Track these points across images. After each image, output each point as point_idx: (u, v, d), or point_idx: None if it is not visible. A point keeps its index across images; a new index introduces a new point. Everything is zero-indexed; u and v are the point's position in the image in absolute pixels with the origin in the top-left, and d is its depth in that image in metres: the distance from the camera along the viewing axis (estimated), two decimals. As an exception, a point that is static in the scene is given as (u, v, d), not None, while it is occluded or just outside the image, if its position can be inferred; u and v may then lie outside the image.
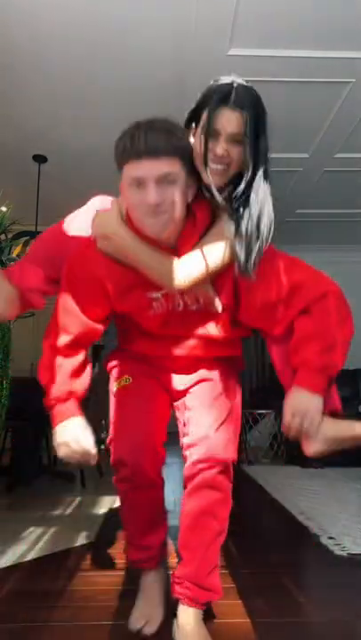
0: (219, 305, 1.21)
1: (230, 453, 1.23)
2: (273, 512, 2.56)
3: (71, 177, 4.47)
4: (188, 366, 1.32)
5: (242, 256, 1.11)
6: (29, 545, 1.95)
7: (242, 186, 1.12)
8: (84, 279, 1.23)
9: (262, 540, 2.03)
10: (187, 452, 1.25)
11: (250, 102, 1.11)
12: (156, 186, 1.06)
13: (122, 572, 1.64)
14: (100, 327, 1.33)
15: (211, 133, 1.09)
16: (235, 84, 1.14)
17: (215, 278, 1.18)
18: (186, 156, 1.13)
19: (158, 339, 1.30)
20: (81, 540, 2.02)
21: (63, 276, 1.29)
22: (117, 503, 2.70)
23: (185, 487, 1.27)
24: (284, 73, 3.04)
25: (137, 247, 1.13)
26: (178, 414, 1.38)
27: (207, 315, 1.24)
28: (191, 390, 1.33)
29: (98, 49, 2.87)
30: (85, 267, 1.22)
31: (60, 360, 1.24)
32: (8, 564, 1.72)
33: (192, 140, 1.19)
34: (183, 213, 1.12)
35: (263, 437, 4.96)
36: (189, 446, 1.24)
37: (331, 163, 4.17)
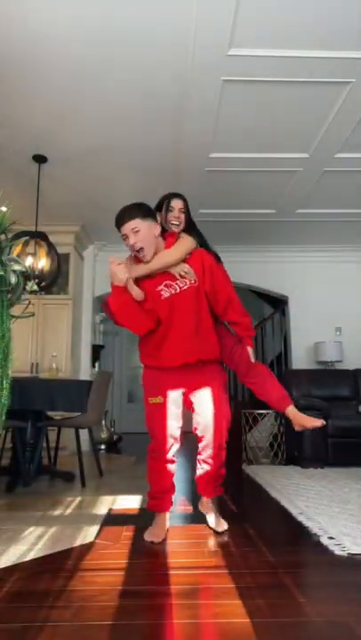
0: (193, 275, 2.14)
1: None
2: (273, 512, 2.56)
3: (71, 177, 4.48)
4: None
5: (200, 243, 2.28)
6: (29, 545, 1.95)
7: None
8: None
9: (262, 540, 2.03)
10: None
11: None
12: (133, 235, 2.08)
13: (122, 572, 1.64)
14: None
15: (169, 210, 2.26)
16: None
17: (188, 261, 2.17)
18: (143, 215, 2.10)
19: (165, 346, 2.14)
20: (81, 540, 2.02)
21: None
22: (117, 503, 2.71)
23: None
24: (284, 73, 3.04)
25: (140, 267, 2.14)
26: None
27: (195, 293, 2.13)
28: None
29: (98, 49, 2.87)
30: None
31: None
32: (8, 564, 1.72)
33: (159, 217, 2.23)
34: (154, 241, 2.12)
35: (263, 437, 4.96)
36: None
37: (331, 163, 4.17)
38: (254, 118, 3.53)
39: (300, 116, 3.51)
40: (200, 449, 2.20)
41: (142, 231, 2.06)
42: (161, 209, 2.25)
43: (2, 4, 2.55)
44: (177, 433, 2.15)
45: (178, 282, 2.12)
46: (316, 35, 2.75)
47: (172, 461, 2.16)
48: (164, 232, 2.19)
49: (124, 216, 2.08)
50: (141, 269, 2.11)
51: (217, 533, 2.12)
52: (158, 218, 2.20)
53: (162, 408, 2.13)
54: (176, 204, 2.23)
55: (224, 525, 2.17)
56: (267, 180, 4.51)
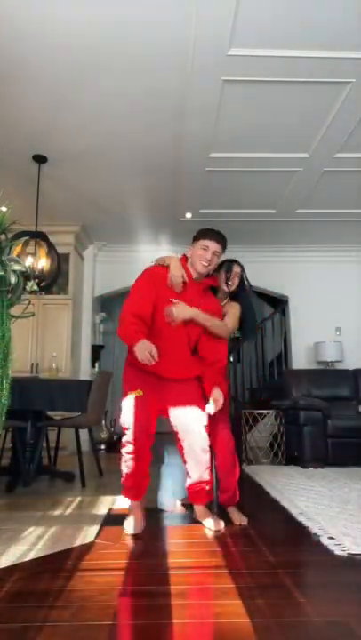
0: None
1: None
2: (273, 512, 2.56)
3: (71, 177, 4.48)
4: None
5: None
6: (29, 545, 1.95)
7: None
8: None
9: (262, 539, 2.03)
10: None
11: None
12: (213, 256, 2.38)
13: (122, 572, 1.64)
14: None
15: (229, 271, 2.58)
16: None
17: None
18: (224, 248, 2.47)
19: (161, 358, 2.16)
20: (81, 540, 2.02)
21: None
22: (117, 503, 2.71)
23: None
24: (284, 73, 3.04)
25: (199, 314, 2.32)
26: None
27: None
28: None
29: (98, 49, 2.87)
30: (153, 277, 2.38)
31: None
32: (8, 564, 1.72)
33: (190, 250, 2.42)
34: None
35: (263, 437, 4.96)
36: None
37: (331, 163, 4.17)
38: (254, 118, 3.53)
39: (300, 116, 3.52)
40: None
41: (217, 259, 2.41)
42: (222, 267, 2.52)
43: (2, 4, 2.55)
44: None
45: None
46: (316, 35, 2.75)
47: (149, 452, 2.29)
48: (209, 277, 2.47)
49: (219, 237, 2.39)
50: (188, 312, 2.27)
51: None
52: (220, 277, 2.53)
53: (143, 400, 2.26)
54: (236, 269, 2.54)
55: (221, 524, 2.23)
56: (267, 180, 4.51)
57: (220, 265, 2.52)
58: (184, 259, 2.41)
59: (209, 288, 2.49)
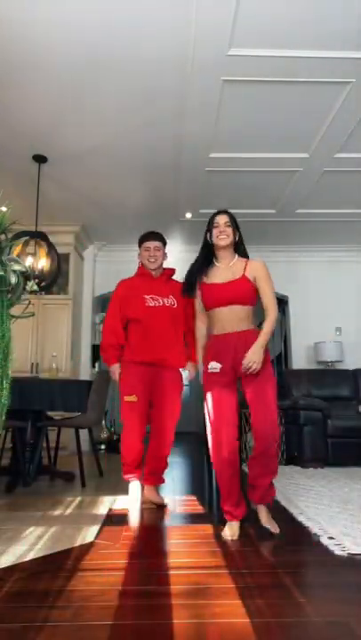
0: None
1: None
2: (273, 512, 2.56)
3: (71, 177, 4.48)
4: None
5: None
6: (29, 545, 1.95)
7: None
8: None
9: (262, 539, 2.03)
10: None
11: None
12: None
13: (122, 572, 1.64)
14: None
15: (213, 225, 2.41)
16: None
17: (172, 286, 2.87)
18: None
19: (144, 344, 2.71)
20: (81, 539, 2.02)
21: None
22: (117, 503, 2.71)
23: None
24: (284, 73, 3.04)
25: (262, 344, 2.19)
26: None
27: (172, 312, 2.77)
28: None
29: (98, 49, 2.87)
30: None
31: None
32: (8, 564, 1.72)
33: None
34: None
35: (263, 437, 4.95)
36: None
37: (331, 163, 4.17)
38: (254, 118, 3.53)
39: (300, 116, 3.52)
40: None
41: (161, 252, 2.86)
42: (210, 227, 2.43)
43: (1, 6, 2.55)
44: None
45: (164, 299, 2.74)
46: (316, 35, 2.75)
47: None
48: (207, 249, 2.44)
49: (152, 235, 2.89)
50: (258, 355, 2.15)
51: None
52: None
53: (136, 406, 2.71)
54: (220, 219, 2.41)
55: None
56: (267, 180, 4.51)
57: (208, 223, 2.43)
58: (141, 266, 2.88)
59: (171, 276, 2.89)
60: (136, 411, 2.68)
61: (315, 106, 3.39)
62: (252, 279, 2.26)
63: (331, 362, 5.80)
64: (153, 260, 2.81)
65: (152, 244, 2.83)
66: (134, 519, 2.43)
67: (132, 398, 2.68)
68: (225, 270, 2.32)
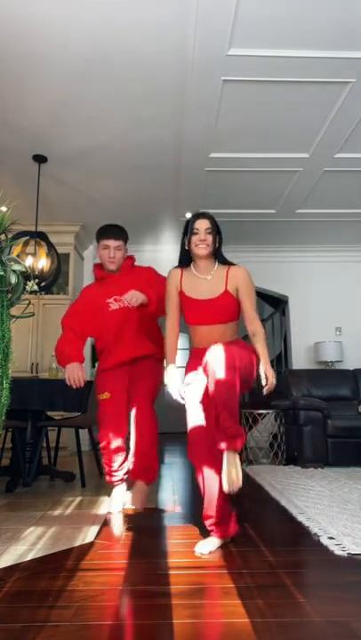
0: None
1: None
2: (273, 512, 2.56)
3: (71, 177, 4.48)
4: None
5: None
6: (29, 545, 1.95)
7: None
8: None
9: (262, 540, 2.03)
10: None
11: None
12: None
13: (122, 572, 1.64)
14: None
15: (193, 232, 2.07)
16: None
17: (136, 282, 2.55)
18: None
19: (125, 342, 2.54)
20: (81, 540, 2.02)
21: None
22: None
23: None
24: (284, 73, 3.04)
25: (267, 362, 1.99)
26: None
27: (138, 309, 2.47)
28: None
29: (98, 49, 2.87)
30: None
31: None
32: (8, 564, 1.72)
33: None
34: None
35: (263, 437, 4.96)
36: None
37: (331, 163, 4.17)
38: (254, 118, 3.53)
39: (300, 116, 3.52)
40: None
41: (122, 252, 2.57)
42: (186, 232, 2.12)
43: (1, 4, 2.55)
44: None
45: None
46: (315, 35, 2.75)
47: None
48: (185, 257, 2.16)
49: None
50: (271, 377, 1.95)
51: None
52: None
53: (110, 400, 2.55)
54: (200, 224, 2.07)
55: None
56: (267, 180, 4.51)
57: (185, 225, 2.12)
58: (97, 266, 2.64)
59: (132, 266, 2.64)
60: (110, 407, 2.50)
61: (315, 106, 3.40)
62: (233, 291, 2.04)
63: (331, 362, 5.80)
64: (112, 261, 2.53)
65: (113, 243, 2.51)
66: (117, 527, 2.27)
67: (105, 396, 2.53)
68: (204, 283, 2.07)
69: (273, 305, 7.44)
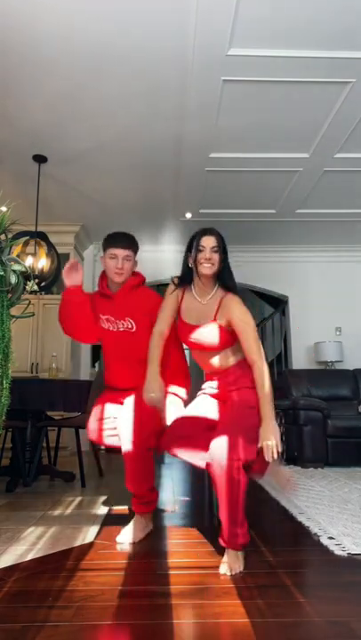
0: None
1: None
2: (273, 512, 2.56)
3: (71, 177, 4.48)
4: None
5: None
6: (29, 545, 1.95)
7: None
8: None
9: (262, 540, 2.03)
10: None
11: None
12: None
13: (122, 572, 1.64)
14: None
15: (199, 249, 1.93)
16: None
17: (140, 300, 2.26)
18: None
19: (116, 369, 2.24)
20: (81, 540, 2.02)
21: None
22: (117, 503, 2.70)
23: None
24: (284, 73, 3.04)
25: (271, 418, 1.77)
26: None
27: (130, 336, 2.20)
28: None
29: (98, 49, 2.87)
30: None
31: None
32: (8, 564, 1.72)
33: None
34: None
35: (263, 437, 4.95)
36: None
37: (331, 163, 4.17)
38: (254, 118, 3.53)
39: (300, 116, 3.52)
40: None
41: (130, 263, 2.21)
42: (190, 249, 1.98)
43: (2, 4, 2.55)
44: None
45: (119, 322, 2.19)
46: (315, 35, 2.75)
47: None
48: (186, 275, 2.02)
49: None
50: (275, 436, 1.73)
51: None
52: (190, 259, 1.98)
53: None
54: (207, 241, 1.93)
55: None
56: (267, 180, 4.51)
57: (190, 241, 1.98)
58: (101, 277, 2.27)
59: (138, 285, 2.25)
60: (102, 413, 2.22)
61: (315, 106, 3.40)
62: (224, 322, 1.89)
63: (331, 362, 5.80)
64: (120, 272, 2.16)
65: (121, 253, 2.15)
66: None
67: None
68: (199, 307, 1.97)
69: (273, 305, 7.45)
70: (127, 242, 2.19)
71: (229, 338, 1.91)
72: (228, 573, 1.61)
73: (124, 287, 2.20)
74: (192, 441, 1.88)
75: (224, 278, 1.96)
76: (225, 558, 1.67)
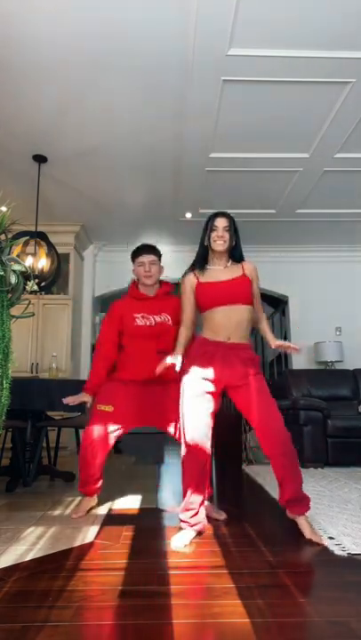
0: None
1: None
2: (273, 512, 2.56)
3: (71, 177, 4.48)
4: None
5: None
6: (29, 545, 1.95)
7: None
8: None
9: (262, 540, 2.03)
10: None
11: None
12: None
13: (122, 572, 1.64)
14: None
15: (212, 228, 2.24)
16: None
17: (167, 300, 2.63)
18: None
19: (138, 359, 2.48)
20: (81, 540, 2.02)
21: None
22: (117, 503, 2.71)
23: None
24: (284, 73, 3.04)
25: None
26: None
27: (166, 328, 2.52)
28: None
29: (99, 49, 2.87)
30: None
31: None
32: (8, 564, 1.72)
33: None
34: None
35: (263, 437, 4.95)
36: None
37: (331, 163, 4.17)
38: (254, 118, 3.54)
39: (300, 116, 3.52)
40: None
41: (156, 267, 2.56)
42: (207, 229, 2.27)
43: (1, 3, 2.55)
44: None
45: (154, 317, 2.51)
46: (316, 35, 2.75)
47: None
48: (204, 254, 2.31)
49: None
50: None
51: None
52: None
53: (107, 416, 2.46)
54: (219, 222, 2.24)
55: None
56: (267, 180, 4.51)
57: (206, 223, 2.29)
58: (134, 283, 2.64)
59: (169, 292, 2.63)
60: (106, 421, 2.42)
61: (315, 106, 3.40)
62: (249, 279, 2.23)
63: (331, 362, 5.80)
64: (149, 275, 2.53)
65: (147, 259, 2.53)
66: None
67: (107, 408, 2.42)
68: (221, 271, 2.25)
69: (273, 305, 7.45)
70: (150, 249, 2.59)
71: (252, 298, 2.24)
72: (319, 541, 1.96)
73: (159, 292, 2.60)
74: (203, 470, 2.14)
75: (235, 255, 2.29)
76: (305, 530, 2.04)
